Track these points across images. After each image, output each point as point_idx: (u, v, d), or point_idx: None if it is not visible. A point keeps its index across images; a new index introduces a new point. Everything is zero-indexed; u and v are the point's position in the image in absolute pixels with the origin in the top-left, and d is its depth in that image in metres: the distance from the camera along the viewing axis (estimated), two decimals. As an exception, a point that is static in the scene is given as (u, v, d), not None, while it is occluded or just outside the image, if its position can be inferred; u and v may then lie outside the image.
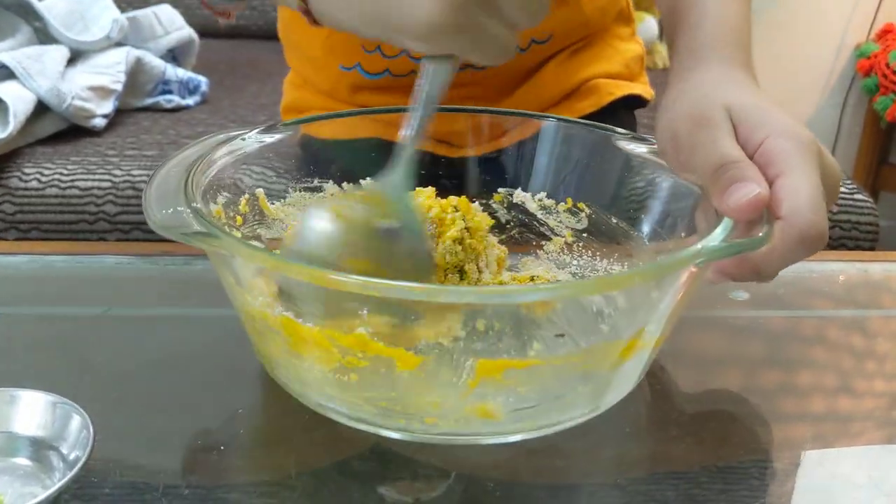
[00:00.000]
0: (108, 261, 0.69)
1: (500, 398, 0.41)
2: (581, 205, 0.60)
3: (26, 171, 1.24)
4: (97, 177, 1.24)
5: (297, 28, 0.88)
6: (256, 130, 0.55)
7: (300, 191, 0.58)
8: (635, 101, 0.93)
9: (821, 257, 0.74)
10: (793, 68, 2.34)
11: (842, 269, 0.71)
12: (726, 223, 0.43)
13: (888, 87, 2.13)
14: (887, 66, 2.13)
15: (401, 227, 0.46)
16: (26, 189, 1.22)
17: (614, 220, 0.58)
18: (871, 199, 1.21)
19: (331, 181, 0.59)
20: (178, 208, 0.44)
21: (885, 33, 2.25)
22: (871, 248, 1.19)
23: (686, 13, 0.60)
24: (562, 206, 0.61)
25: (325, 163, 0.59)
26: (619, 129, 0.58)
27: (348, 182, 0.59)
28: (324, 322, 0.41)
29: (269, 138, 0.56)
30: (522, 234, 0.62)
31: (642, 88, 0.93)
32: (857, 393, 0.55)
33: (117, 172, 1.25)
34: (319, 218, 0.46)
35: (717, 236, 0.42)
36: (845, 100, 2.37)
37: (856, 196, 1.21)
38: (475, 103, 0.87)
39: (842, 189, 1.22)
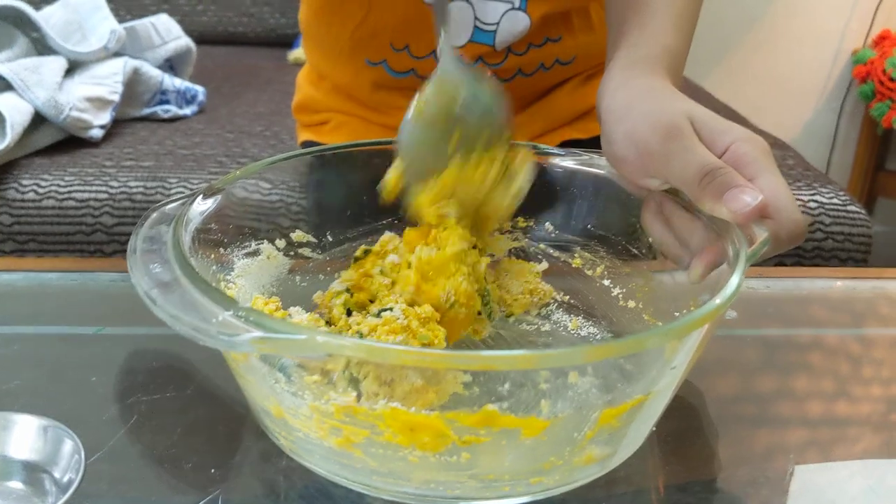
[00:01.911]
0: (102, 278, 0.69)
1: (603, 441, 0.42)
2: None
3: (23, 182, 1.25)
4: (94, 188, 1.24)
5: (324, 20, 0.89)
6: (198, 198, 0.52)
7: (242, 258, 0.56)
8: None
9: (810, 274, 0.74)
10: (790, 74, 2.34)
11: (830, 285, 0.72)
12: (740, 271, 0.44)
13: (885, 93, 2.14)
14: (884, 72, 2.14)
15: (473, 101, 0.53)
16: (23, 200, 1.23)
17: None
18: (863, 211, 1.22)
19: (265, 241, 0.57)
20: (223, 314, 0.38)
21: (881, 39, 2.25)
22: (864, 260, 1.19)
23: (630, 32, 0.63)
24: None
25: (256, 222, 0.58)
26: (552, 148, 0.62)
27: (280, 239, 0.58)
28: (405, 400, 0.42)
29: (206, 205, 0.52)
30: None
31: None
32: (845, 410, 0.55)
33: (114, 184, 1.25)
34: (411, 129, 0.54)
35: (733, 283, 0.42)
36: (842, 106, 2.37)
37: (848, 207, 1.21)
38: None
39: (834, 201, 1.22)
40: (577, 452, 0.42)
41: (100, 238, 1.23)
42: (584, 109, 0.92)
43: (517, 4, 0.80)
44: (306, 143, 1.00)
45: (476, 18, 0.81)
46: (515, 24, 0.81)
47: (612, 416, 0.41)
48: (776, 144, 1.45)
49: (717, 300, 0.40)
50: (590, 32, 0.87)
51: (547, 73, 0.87)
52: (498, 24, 0.81)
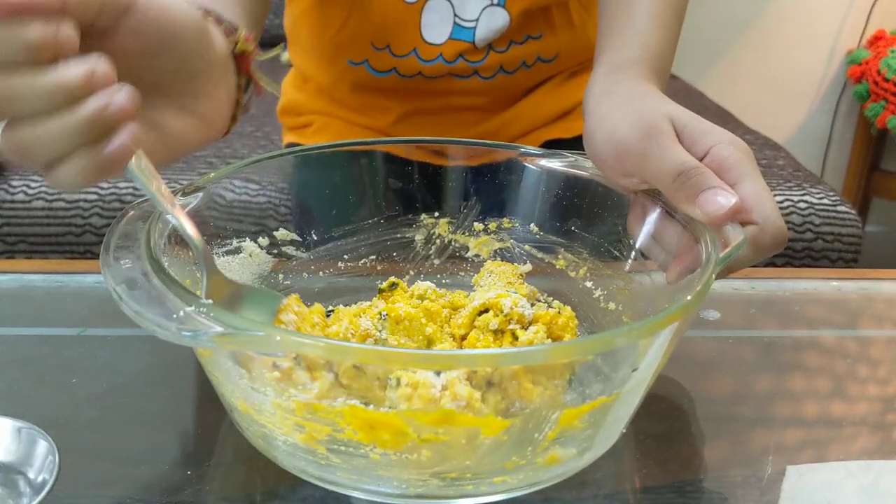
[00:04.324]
0: (86, 280, 0.69)
1: (567, 442, 0.42)
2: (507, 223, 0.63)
3: (13, 183, 1.24)
4: (84, 189, 1.24)
5: (307, 23, 0.90)
6: (177, 196, 0.51)
7: (223, 255, 0.55)
8: None
9: (800, 274, 0.74)
10: (785, 75, 2.35)
11: (820, 286, 0.71)
12: (709, 272, 0.44)
13: (879, 93, 2.14)
14: (878, 72, 2.14)
15: None
16: (13, 202, 1.23)
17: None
18: (853, 211, 1.21)
19: (247, 239, 0.57)
20: (186, 309, 0.38)
21: (876, 40, 2.26)
22: (854, 260, 1.19)
23: (614, 32, 0.64)
24: (492, 224, 0.63)
25: (235, 221, 0.57)
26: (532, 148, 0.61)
27: (263, 237, 0.58)
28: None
29: (184, 203, 0.51)
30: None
31: None
32: (837, 410, 0.55)
33: (104, 185, 1.25)
34: None
35: (702, 284, 0.42)
36: (837, 106, 2.37)
37: (838, 208, 1.21)
38: (478, 113, 0.90)
39: (824, 201, 1.22)
40: (541, 453, 0.42)
41: (89, 239, 1.23)
42: (567, 108, 0.92)
43: (496, 1, 0.80)
44: (290, 146, 1.00)
45: (455, 15, 0.81)
46: (494, 20, 0.81)
47: (573, 417, 0.41)
48: (768, 145, 1.45)
49: (687, 298, 0.40)
50: (570, 29, 0.87)
51: (529, 71, 0.87)
52: (477, 20, 0.81)
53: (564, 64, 0.90)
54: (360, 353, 0.40)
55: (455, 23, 0.81)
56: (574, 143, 0.89)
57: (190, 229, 0.45)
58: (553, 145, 0.87)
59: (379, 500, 0.43)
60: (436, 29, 0.81)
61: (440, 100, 0.88)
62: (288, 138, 1.00)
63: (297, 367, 0.42)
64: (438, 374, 0.40)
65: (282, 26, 2.30)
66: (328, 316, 0.53)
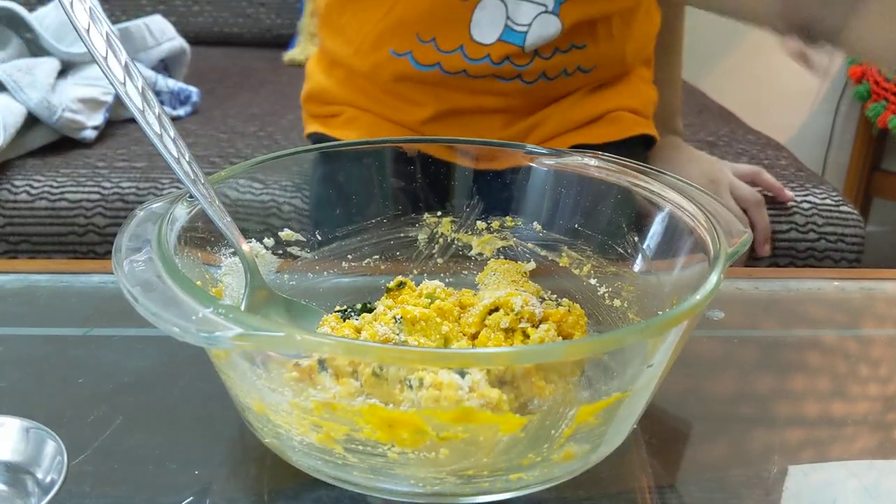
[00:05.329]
0: (91, 280, 0.69)
1: (582, 438, 0.43)
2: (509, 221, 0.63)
3: (16, 183, 1.24)
4: (87, 189, 1.24)
5: (349, 7, 0.89)
6: (185, 197, 0.51)
7: (230, 256, 0.55)
8: (649, 141, 0.99)
9: (803, 274, 0.74)
10: (786, 74, 2.35)
11: (823, 286, 0.71)
12: (719, 269, 0.44)
13: (880, 93, 2.14)
14: (879, 72, 2.14)
15: None
16: (16, 201, 1.23)
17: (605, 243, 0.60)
18: (856, 211, 1.21)
19: (253, 239, 0.57)
20: (203, 311, 0.38)
21: (876, 40, 2.25)
22: (857, 260, 1.19)
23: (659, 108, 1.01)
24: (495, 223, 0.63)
25: (241, 221, 0.56)
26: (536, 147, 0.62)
27: (269, 238, 0.58)
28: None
29: (193, 204, 0.51)
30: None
31: (654, 130, 1.00)
32: (840, 410, 0.55)
33: (107, 185, 1.25)
34: None
35: (712, 281, 0.43)
36: (837, 106, 2.37)
37: (841, 208, 1.21)
38: (509, 115, 0.91)
39: (827, 201, 1.22)
40: (556, 449, 0.42)
41: (92, 239, 1.23)
42: (596, 115, 0.93)
43: (550, 8, 0.81)
44: (314, 136, 0.98)
45: (508, 17, 0.81)
46: (547, 27, 0.81)
47: (589, 414, 0.41)
48: (770, 145, 1.45)
49: (696, 297, 0.40)
50: (611, 42, 0.88)
51: (568, 80, 0.88)
52: (529, 25, 0.81)
53: (601, 74, 0.91)
54: (379, 352, 0.40)
55: (507, 25, 0.81)
56: (601, 150, 0.91)
57: (243, 245, 0.50)
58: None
59: (395, 499, 0.43)
60: (486, 29, 0.81)
61: (477, 99, 0.88)
62: (312, 127, 0.98)
63: (324, 372, 0.42)
64: (463, 375, 0.40)
65: (284, 26, 2.30)
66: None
